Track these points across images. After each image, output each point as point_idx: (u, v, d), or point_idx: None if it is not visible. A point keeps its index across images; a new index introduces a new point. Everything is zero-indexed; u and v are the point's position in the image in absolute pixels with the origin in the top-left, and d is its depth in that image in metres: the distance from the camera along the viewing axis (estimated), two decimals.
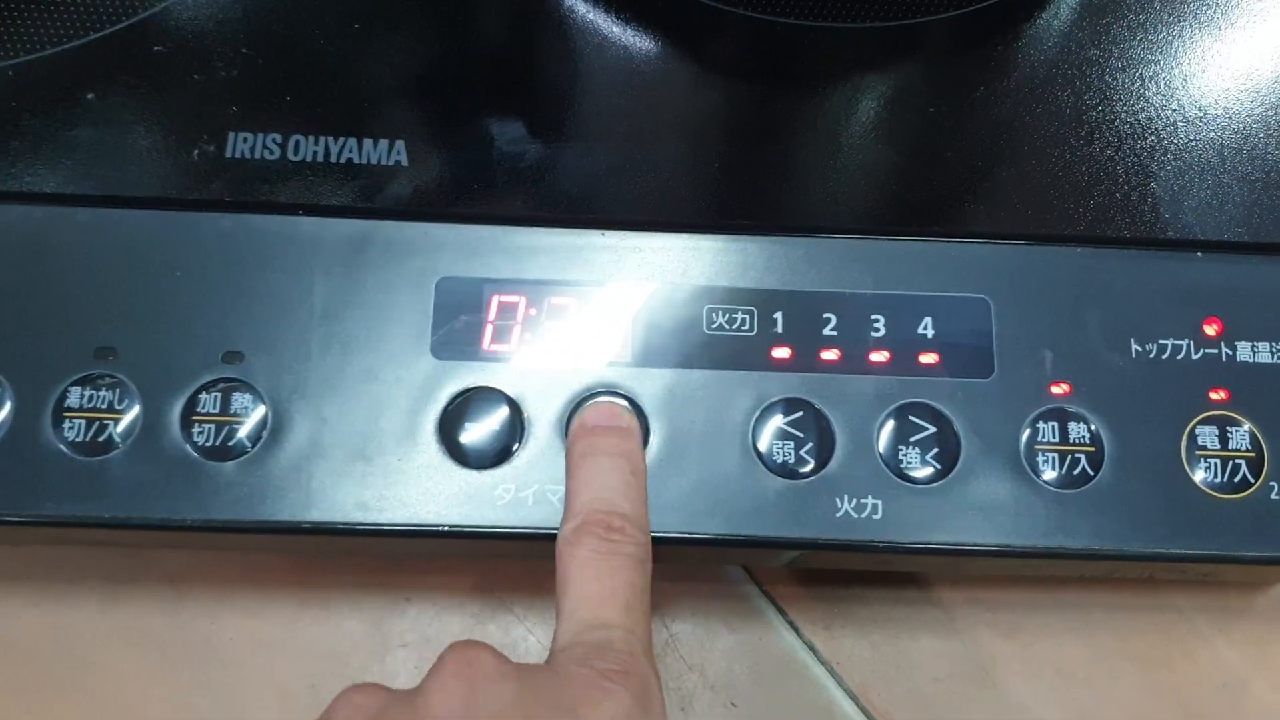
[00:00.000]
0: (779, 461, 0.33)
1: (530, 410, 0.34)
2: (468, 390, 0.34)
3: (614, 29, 0.38)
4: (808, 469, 0.33)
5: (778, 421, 0.34)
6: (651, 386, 0.34)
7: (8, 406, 0.33)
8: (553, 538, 0.31)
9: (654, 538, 0.32)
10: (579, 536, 0.30)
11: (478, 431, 0.34)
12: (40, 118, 0.36)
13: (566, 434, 0.33)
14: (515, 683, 0.27)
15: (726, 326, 0.34)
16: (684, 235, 0.35)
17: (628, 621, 0.29)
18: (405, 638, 0.38)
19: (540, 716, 0.27)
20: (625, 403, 0.34)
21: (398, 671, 0.38)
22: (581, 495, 0.31)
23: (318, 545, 0.35)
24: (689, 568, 0.39)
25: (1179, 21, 0.39)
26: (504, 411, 0.34)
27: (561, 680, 0.28)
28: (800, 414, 0.34)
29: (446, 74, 0.37)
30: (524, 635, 0.38)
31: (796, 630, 0.39)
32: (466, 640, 0.28)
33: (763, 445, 0.33)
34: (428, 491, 0.33)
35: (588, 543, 0.30)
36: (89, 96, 0.36)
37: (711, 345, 0.34)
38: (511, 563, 0.39)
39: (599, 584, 0.30)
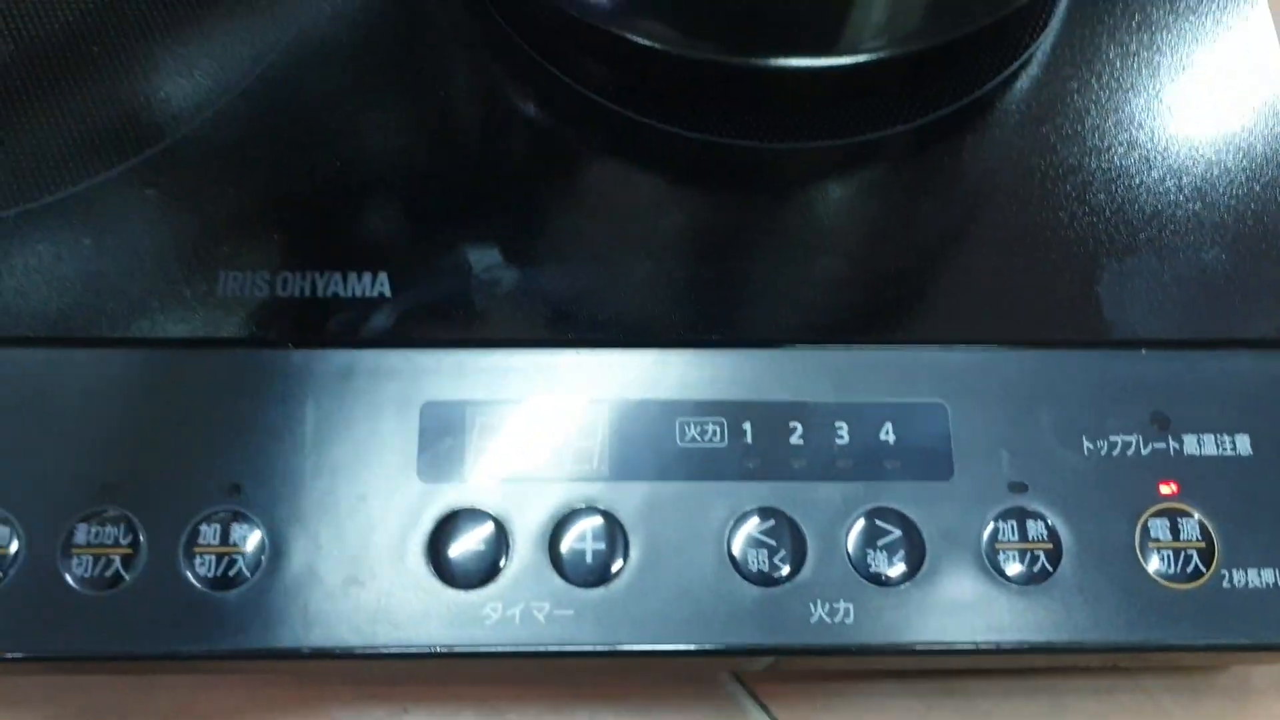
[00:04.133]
0: (754, 570, 0.35)
1: (513, 528, 0.35)
2: (453, 511, 0.35)
3: (582, 155, 0.41)
4: (782, 575, 0.35)
5: (751, 530, 0.35)
6: (628, 499, 0.36)
7: (17, 544, 0.35)
8: (540, 656, 0.33)
9: (635, 651, 0.33)
10: None
11: (463, 552, 0.35)
12: (40, 263, 0.38)
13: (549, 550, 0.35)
14: None
15: (698, 438, 0.36)
16: (653, 351, 0.37)
17: None
18: None
19: None
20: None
21: None
22: None
23: (320, 666, 0.37)
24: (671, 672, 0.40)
25: (1116, 131, 0.41)
26: (488, 531, 0.35)
27: None
28: (772, 522, 0.35)
29: (423, 206, 0.39)
30: None
31: None
32: None
33: (738, 554, 0.35)
34: (418, 613, 0.34)
35: None
36: (85, 241, 0.38)
37: (684, 457, 0.36)
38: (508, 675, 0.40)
39: None
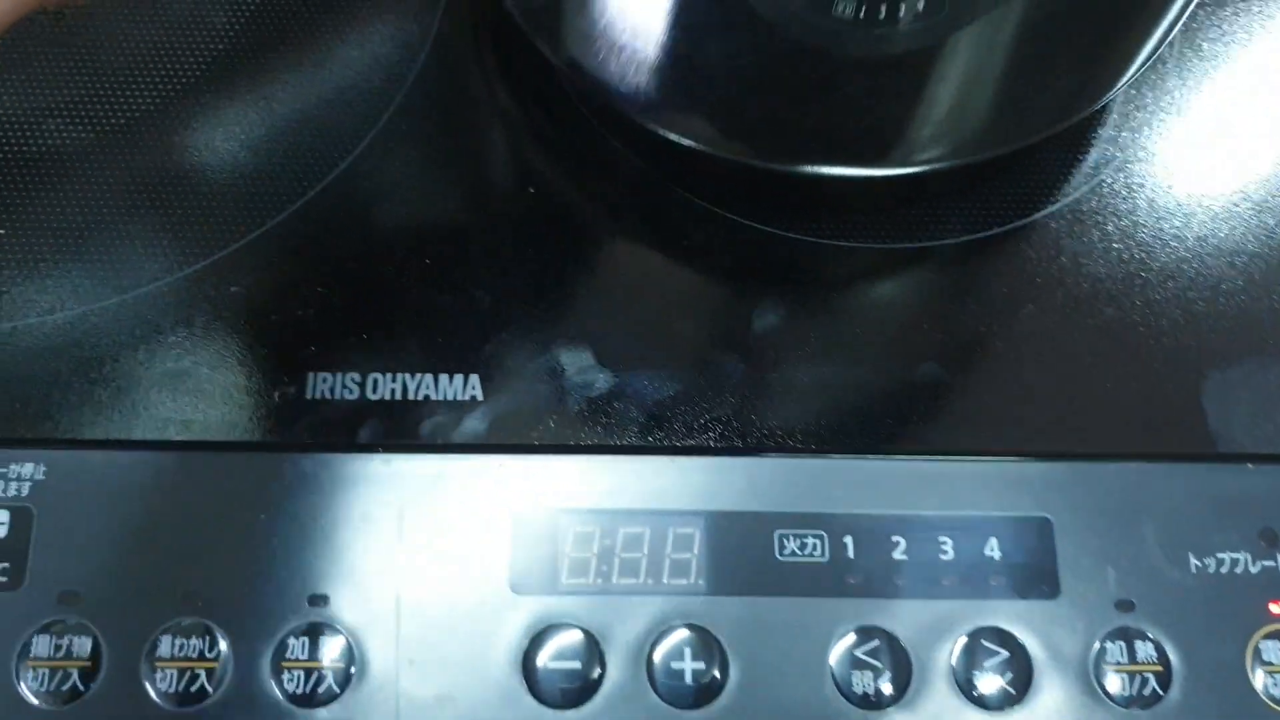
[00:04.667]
0: (858, 692, 0.34)
1: (608, 644, 0.34)
2: (546, 626, 0.35)
3: (677, 259, 0.40)
4: (885, 698, 0.34)
5: (854, 650, 0.34)
6: (726, 616, 0.35)
7: (103, 656, 0.34)
8: None
9: None
10: None
11: (557, 668, 0.34)
12: (123, 363, 0.37)
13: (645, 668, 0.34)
14: None
15: (798, 552, 0.35)
16: (751, 459, 0.36)
17: None
18: None
19: None
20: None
21: None
22: None
23: None
24: None
25: (1213, 235, 0.41)
26: (582, 648, 0.34)
27: None
28: (876, 642, 0.34)
29: (515, 307, 0.38)
30: None
31: None
32: None
33: (840, 675, 0.34)
34: None
35: None
36: (170, 339, 0.37)
37: (784, 572, 0.35)
38: None
39: None
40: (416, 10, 0.43)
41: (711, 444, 0.36)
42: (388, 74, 0.41)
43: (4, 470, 0.36)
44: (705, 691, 0.34)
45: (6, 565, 0.35)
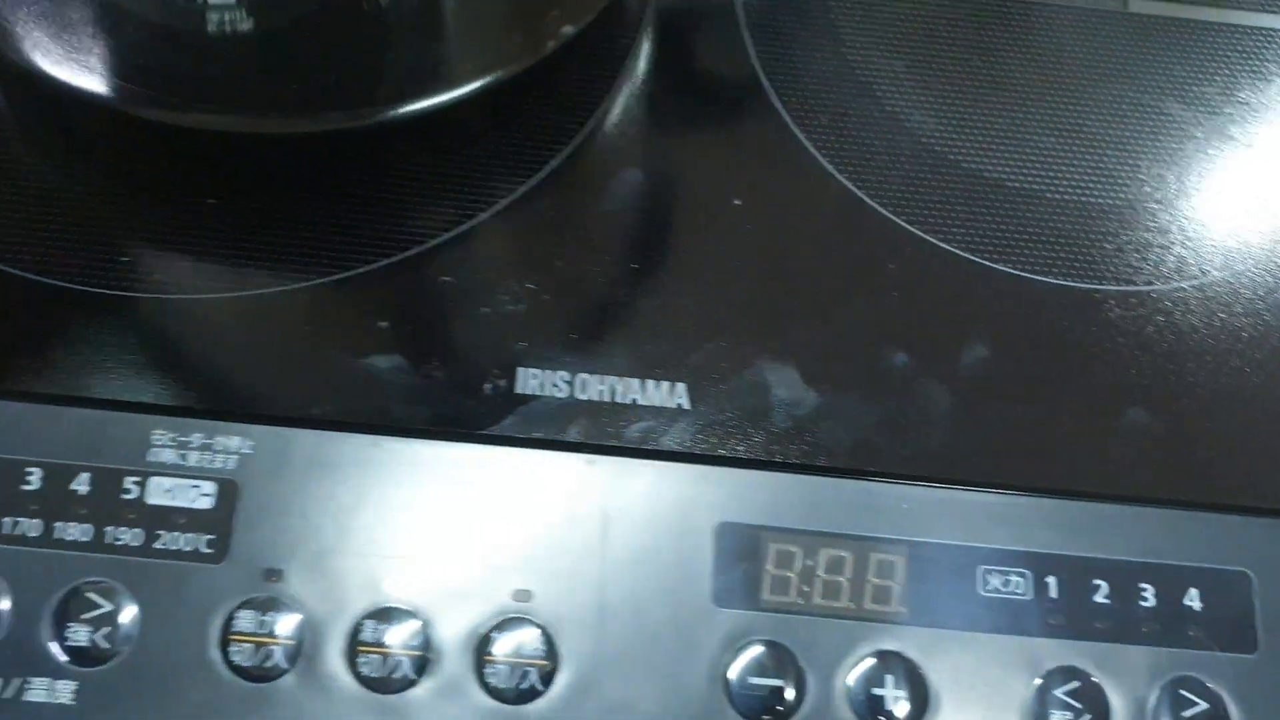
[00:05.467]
0: None
1: (807, 666, 0.34)
2: (747, 641, 0.35)
3: (887, 285, 0.40)
4: None
5: (1053, 690, 0.34)
6: (927, 647, 0.35)
7: (305, 636, 0.34)
8: None
9: None
10: None
11: (756, 684, 0.34)
12: (333, 344, 0.37)
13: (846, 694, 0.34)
14: None
15: (1001, 589, 0.35)
16: (957, 490, 0.36)
17: None
18: None
19: None
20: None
21: None
22: None
23: None
24: None
25: None
26: (782, 665, 0.34)
27: None
28: (1077, 684, 0.34)
29: (726, 320, 0.39)
30: None
31: None
32: None
33: (1039, 714, 0.34)
34: None
35: None
36: (382, 324, 0.37)
37: (987, 606, 0.35)
38: None
39: None
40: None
41: (917, 472, 0.36)
42: (606, 65, 0.41)
43: (211, 443, 0.36)
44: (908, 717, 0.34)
45: (212, 538, 0.35)
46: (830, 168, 0.41)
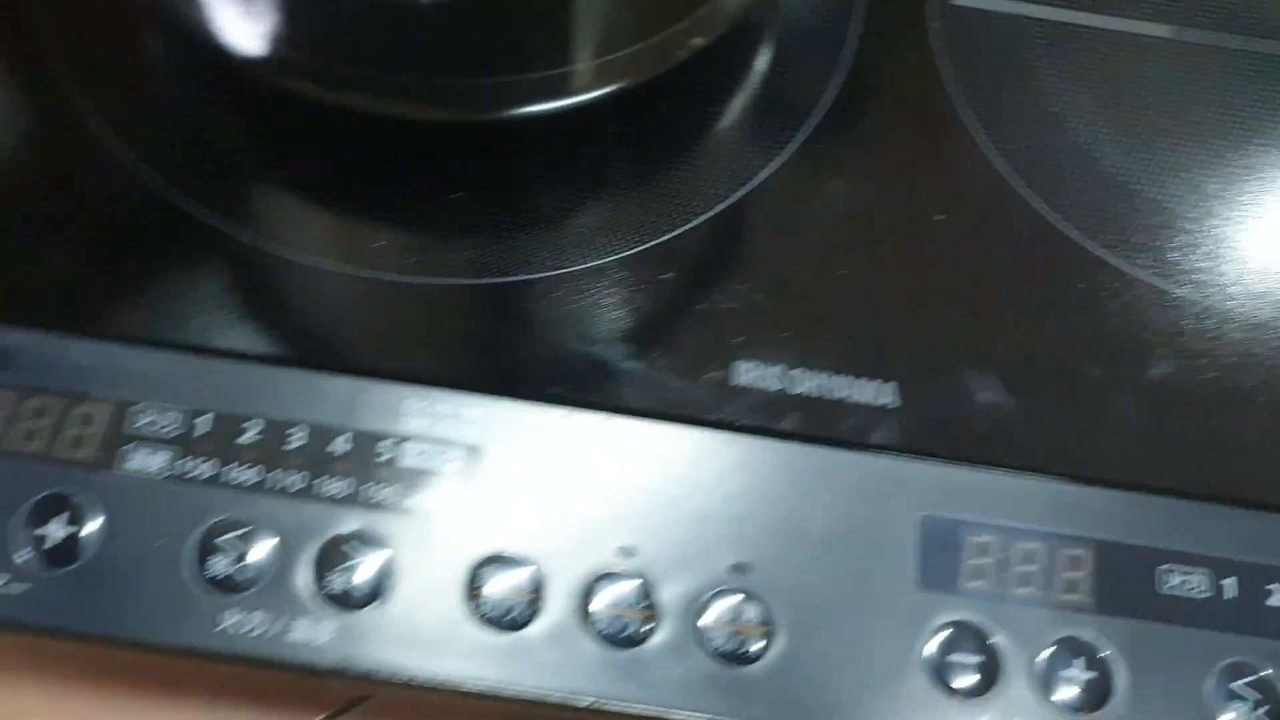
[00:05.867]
0: None
1: (1005, 650, 0.37)
2: (948, 623, 0.37)
3: (1067, 303, 0.43)
4: None
5: (1229, 684, 0.37)
6: (1113, 636, 0.37)
7: (544, 595, 0.37)
8: None
9: None
10: None
11: (958, 665, 0.37)
12: (571, 330, 0.41)
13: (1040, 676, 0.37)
14: None
15: (1181, 588, 0.38)
16: (1139, 495, 0.39)
17: None
18: None
19: None
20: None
21: None
22: None
23: None
24: None
25: None
26: (981, 648, 0.37)
27: None
28: (1255, 677, 0.37)
29: (936, 325, 0.42)
30: None
31: None
32: None
33: (1216, 704, 0.37)
34: (913, 714, 0.36)
35: None
36: (611, 314, 0.41)
37: (1166, 604, 0.38)
38: None
39: None
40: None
41: (1105, 476, 0.39)
42: (815, 74, 0.45)
43: (458, 414, 0.39)
44: (1091, 704, 0.37)
45: (455, 499, 0.38)
46: (1024, 192, 0.44)
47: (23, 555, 0.37)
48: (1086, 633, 0.38)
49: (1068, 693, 0.37)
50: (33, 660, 0.42)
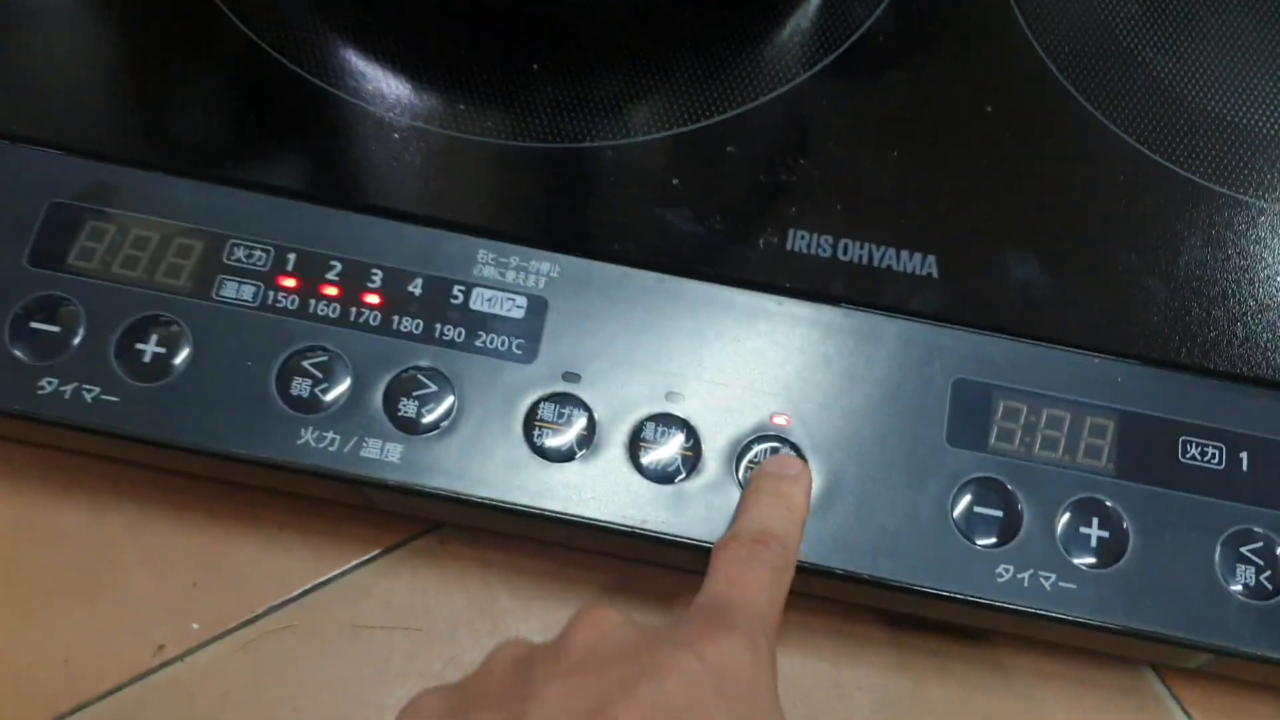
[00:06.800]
0: (1242, 584, 0.39)
1: (1028, 504, 0.40)
2: (975, 478, 0.40)
3: (1104, 192, 0.45)
4: (1267, 590, 0.39)
5: (1240, 548, 0.39)
6: (1129, 500, 0.40)
7: (595, 429, 0.40)
8: (1038, 619, 0.38)
9: (1127, 629, 0.38)
10: (728, 544, 0.36)
11: (982, 514, 0.40)
12: (636, 194, 0.43)
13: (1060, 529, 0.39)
14: (637, 629, 0.33)
15: (1198, 458, 0.40)
16: (1165, 371, 0.41)
17: (751, 604, 0.34)
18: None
19: (659, 647, 0.32)
20: (792, 453, 0.40)
21: None
22: (742, 520, 0.38)
23: (842, 589, 0.41)
24: (1100, 669, 0.44)
25: None
26: (1005, 501, 0.40)
27: (679, 626, 0.33)
28: (1260, 544, 0.39)
29: (976, 205, 0.44)
30: None
31: None
32: (594, 603, 0.34)
33: (1226, 566, 0.39)
34: (937, 559, 0.39)
35: (734, 548, 0.36)
36: (674, 182, 0.43)
37: (1184, 472, 0.40)
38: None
39: (732, 575, 0.35)
40: None
41: (1134, 351, 0.42)
42: None
43: (526, 265, 0.42)
44: (1108, 556, 0.39)
45: (523, 342, 0.41)
46: (1070, 89, 0.47)
47: (120, 370, 0.40)
48: (1105, 495, 0.40)
49: (1083, 548, 0.39)
50: (114, 487, 0.45)
